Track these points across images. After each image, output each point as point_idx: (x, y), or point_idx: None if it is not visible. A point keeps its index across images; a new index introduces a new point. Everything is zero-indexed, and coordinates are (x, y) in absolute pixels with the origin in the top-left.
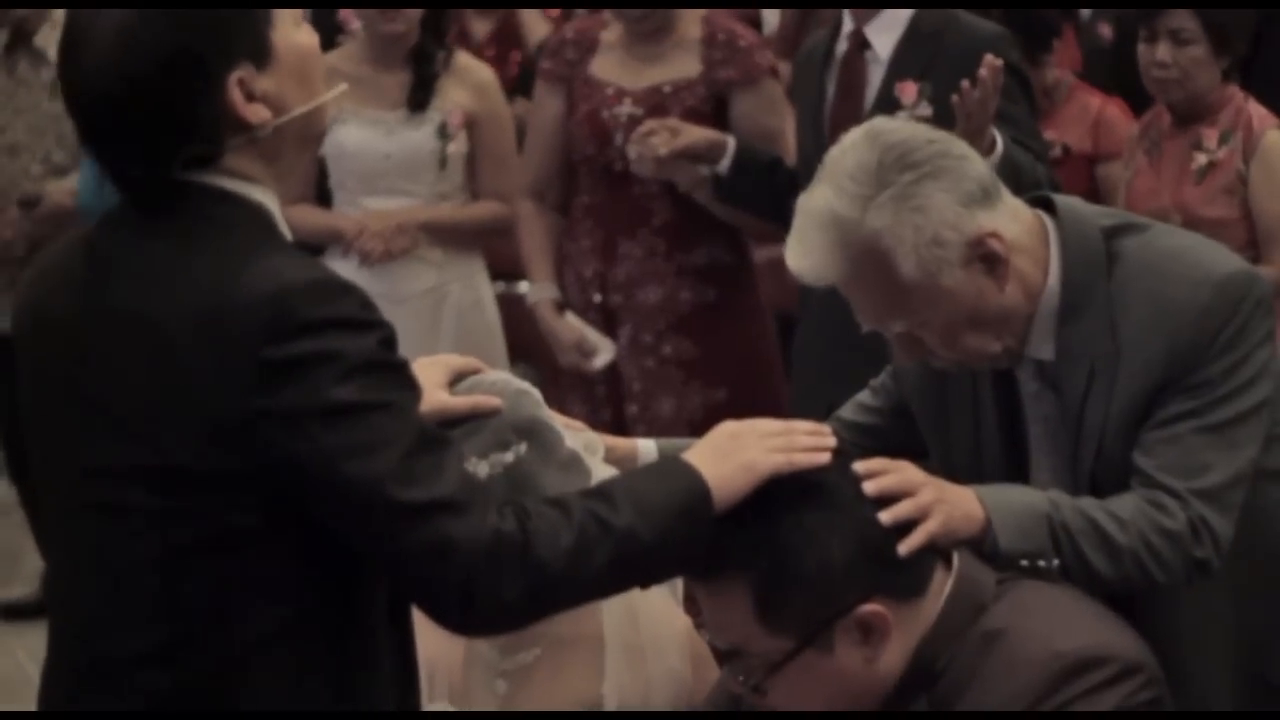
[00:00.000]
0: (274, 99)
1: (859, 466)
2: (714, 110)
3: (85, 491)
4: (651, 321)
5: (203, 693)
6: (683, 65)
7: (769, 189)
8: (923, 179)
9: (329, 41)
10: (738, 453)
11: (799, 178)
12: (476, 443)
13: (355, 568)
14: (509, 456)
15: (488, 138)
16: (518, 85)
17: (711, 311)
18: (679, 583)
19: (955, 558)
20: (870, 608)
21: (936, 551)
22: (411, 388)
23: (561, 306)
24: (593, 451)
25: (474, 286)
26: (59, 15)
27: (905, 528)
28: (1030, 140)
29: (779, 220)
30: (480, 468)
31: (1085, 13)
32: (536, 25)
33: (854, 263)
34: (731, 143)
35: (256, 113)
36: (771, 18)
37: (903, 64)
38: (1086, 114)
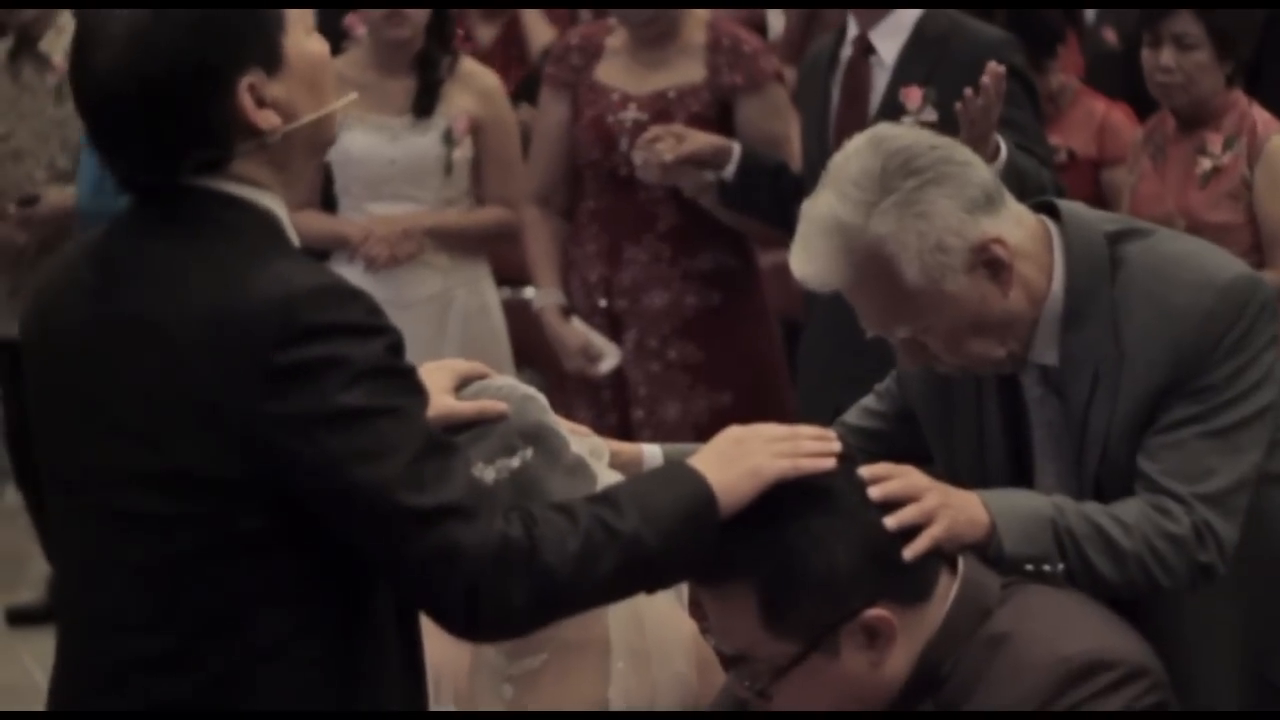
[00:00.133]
0: (284, 105)
1: (864, 471)
2: (719, 116)
3: (94, 497)
4: (657, 326)
5: (211, 697)
6: (687, 71)
7: (774, 194)
8: (926, 185)
9: (334, 48)
10: (743, 458)
11: (804, 183)
12: (483, 448)
13: (363, 573)
14: (515, 462)
15: (493, 143)
16: (522, 91)
17: (716, 316)
18: (684, 588)
19: (960, 562)
20: (875, 612)
21: (941, 556)
22: (418, 393)
23: (567, 311)
24: (598, 456)
25: (479, 292)
26: (65, 20)
27: (910, 532)
28: (1035, 145)
29: (784, 226)
30: (486, 473)
31: (1090, 17)
32: (541, 31)
33: (858, 269)
34: (737, 148)
35: (266, 119)
36: (776, 23)
37: (907, 69)
38: (1091, 119)
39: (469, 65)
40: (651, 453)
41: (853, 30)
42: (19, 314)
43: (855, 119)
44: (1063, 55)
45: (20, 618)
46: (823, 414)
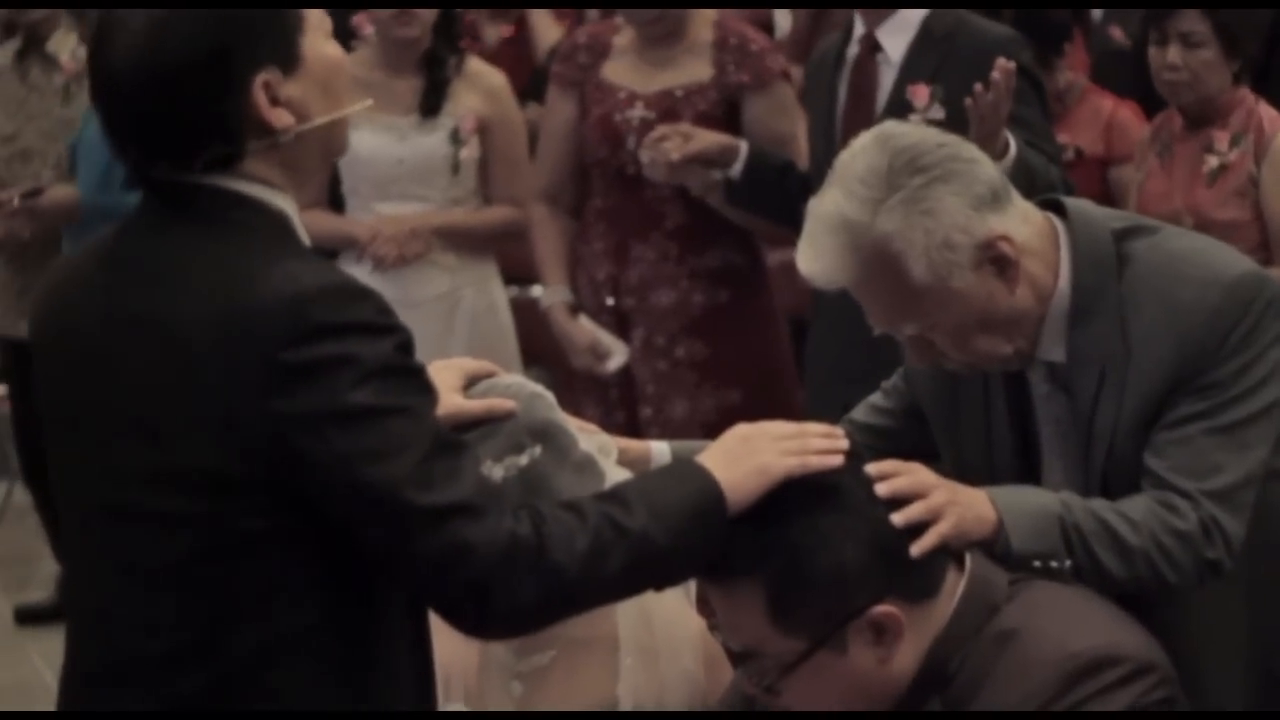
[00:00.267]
0: (298, 105)
1: (871, 469)
2: (726, 114)
3: (104, 495)
4: (664, 324)
5: (221, 695)
6: (694, 69)
7: (781, 193)
8: (933, 182)
9: (343, 47)
10: (751, 456)
11: (811, 181)
12: (491, 446)
13: (373, 571)
14: (523, 459)
15: (500, 142)
16: (530, 90)
17: (724, 314)
18: (692, 585)
19: (968, 559)
20: (883, 609)
21: (949, 553)
22: (428, 392)
23: (575, 309)
24: (606, 454)
25: (487, 291)
26: (70, 22)
27: (917, 529)
28: (1043, 143)
29: (791, 224)
30: (495, 471)
31: (1096, 16)
32: (548, 30)
33: (865, 266)
34: (744, 147)
35: (280, 117)
36: (784, 21)
37: (914, 67)
38: (1099, 117)
39: (476, 64)
40: (659, 450)
41: (859, 28)
42: (28, 314)
43: (862, 117)
44: (1070, 53)
45: (29, 616)
46: (830, 412)
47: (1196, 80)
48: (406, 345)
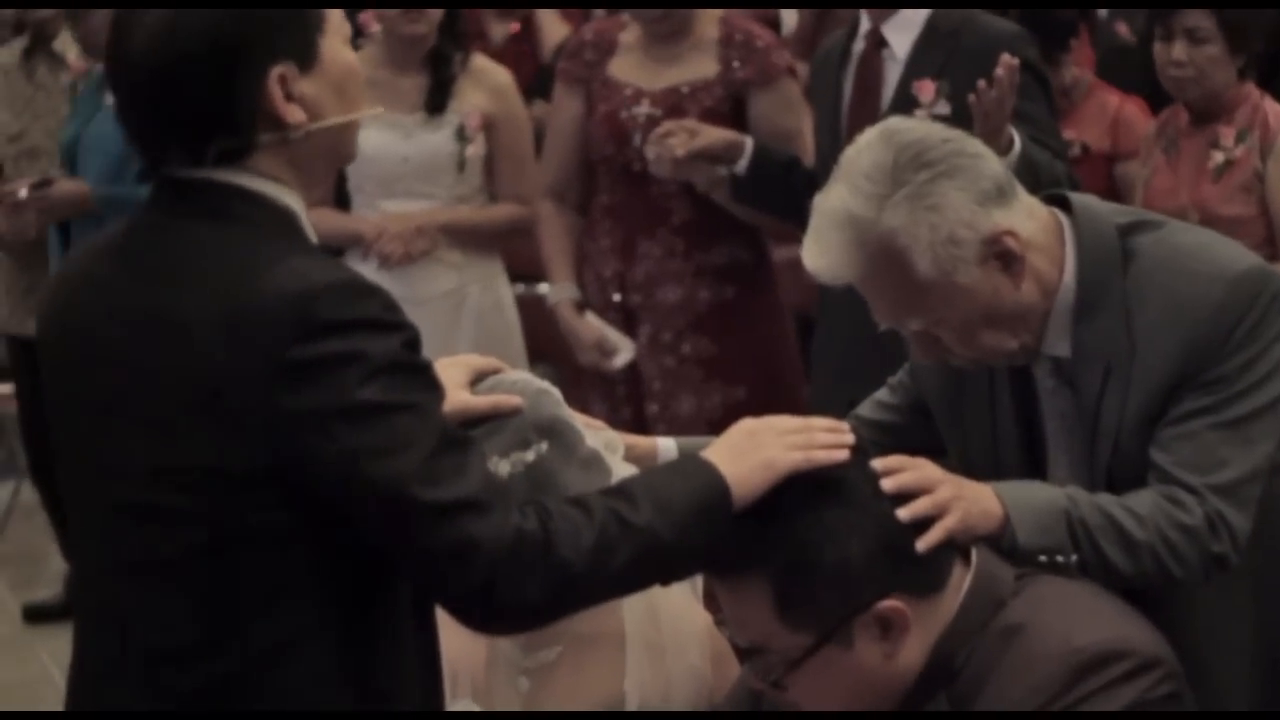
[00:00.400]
0: (311, 103)
1: (877, 464)
2: (732, 110)
3: (112, 492)
4: (671, 320)
5: (229, 690)
6: (700, 66)
7: (786, 189)
8: (938, 178)
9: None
10: (756, 450)
11: (816, 177)
12: (498, 442)
13: (381, 566)
14: (530, 455)
15: (506, 140)
16: (536, 87)
17: (730, 310)
18: (699, 580)
19: (974, 554)
20: (889, 604)
21: (955, 548)
22: (435, 389)
23: (581, 306)
24: (613, 450)
25: (493, 288)
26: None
27: (923, 524)
28: (1049, 138)
29: (797, 220)
30: (501, 466)
31: (1102, 12)
32: (554, 28)
33: (870, 261)
34: (749, 143)
35: (293, 113)
36: (790, 19)
37: (920, 63)
38: (1105, 113)
39: (481, 62)
40: (666, 446)
41: (865, 24)
42: (35, 312)
43: (868, 113)
44: (1075, 49)
45: (37, 615)
46: (836, 407)
47: (1202, 76)
48: (414, 342)
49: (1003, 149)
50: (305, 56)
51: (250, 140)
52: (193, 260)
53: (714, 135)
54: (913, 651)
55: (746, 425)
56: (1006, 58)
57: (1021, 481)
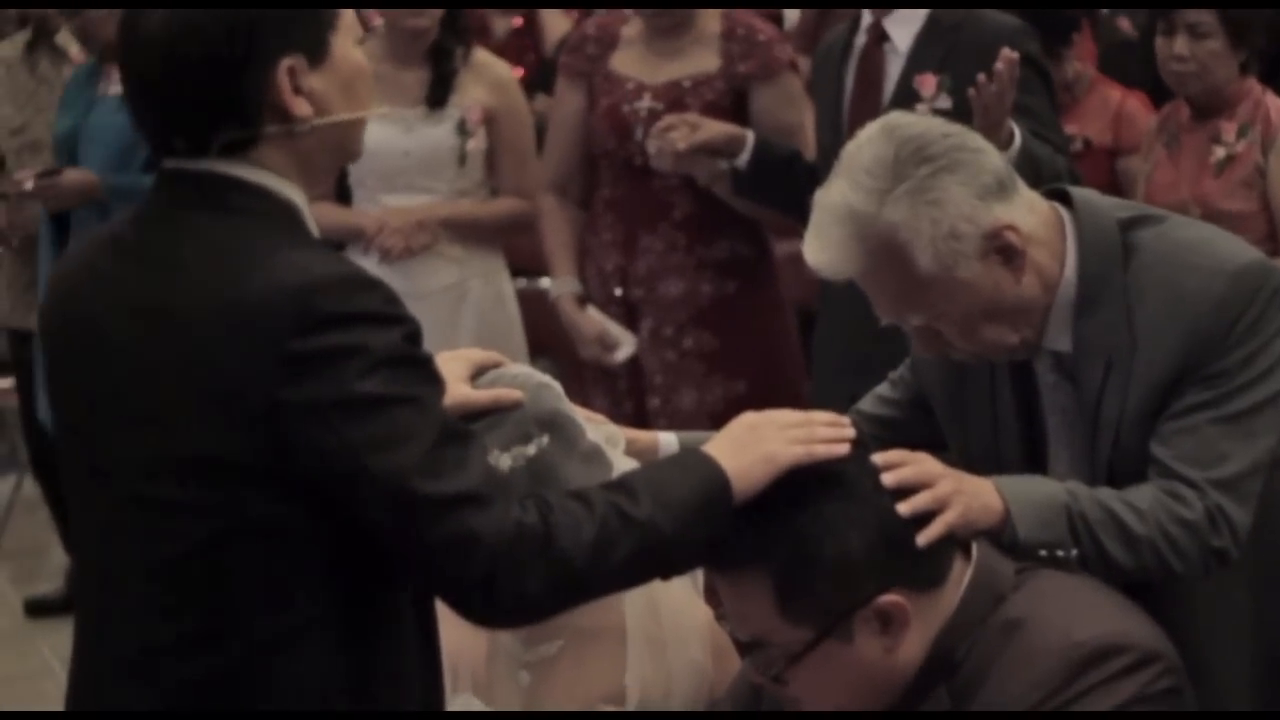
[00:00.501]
0: (319, 99)
1: (877, 458)
2: (733, 105)
3: (114, 485)
4: (672, 315)
5: (229, 683)
6: (702, 60)
7: (788, 183)
8: (939, 172)
9: None
10: (757, 444)
11: (818, 171)
12: (498, 435)
13: (381, 560)
14: (531, 449)
15: (507, 134)
16: (539, 81)
17: (732, 305)
18: (700, 574)
19: (974, 548)
20: (889, 598)
21: (955, 542)
22: (436, 382)
23: (583, 300)
24: (614, 444)
25: (495, 283)
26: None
27: (924, 519)
28: (1050, 133)
29: (798, 214)
30: (502, 460)
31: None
32: (557, 23)
33: (871, 256)
34: (750, 137)
35: (300, 106)
36: (792, 13)
37: (921, 56)
38: (1107, 107)
39: (482, 56)
40: (667, 440)
41: (867, 18)
42: (35, 306)
43: (869, 107)
44: (1078, 44)
45: (39, 609)
46: (838, 402)
47: (1204, 71)
48: (415, 335)
49: (1003, 143)
50: (316, 51)
51: (255, 131)
52: (194, 252)
53: (715, 129)
54: (913, 646)
55: (747, 419)
56: (1006, 52)
57: (1022, 476)
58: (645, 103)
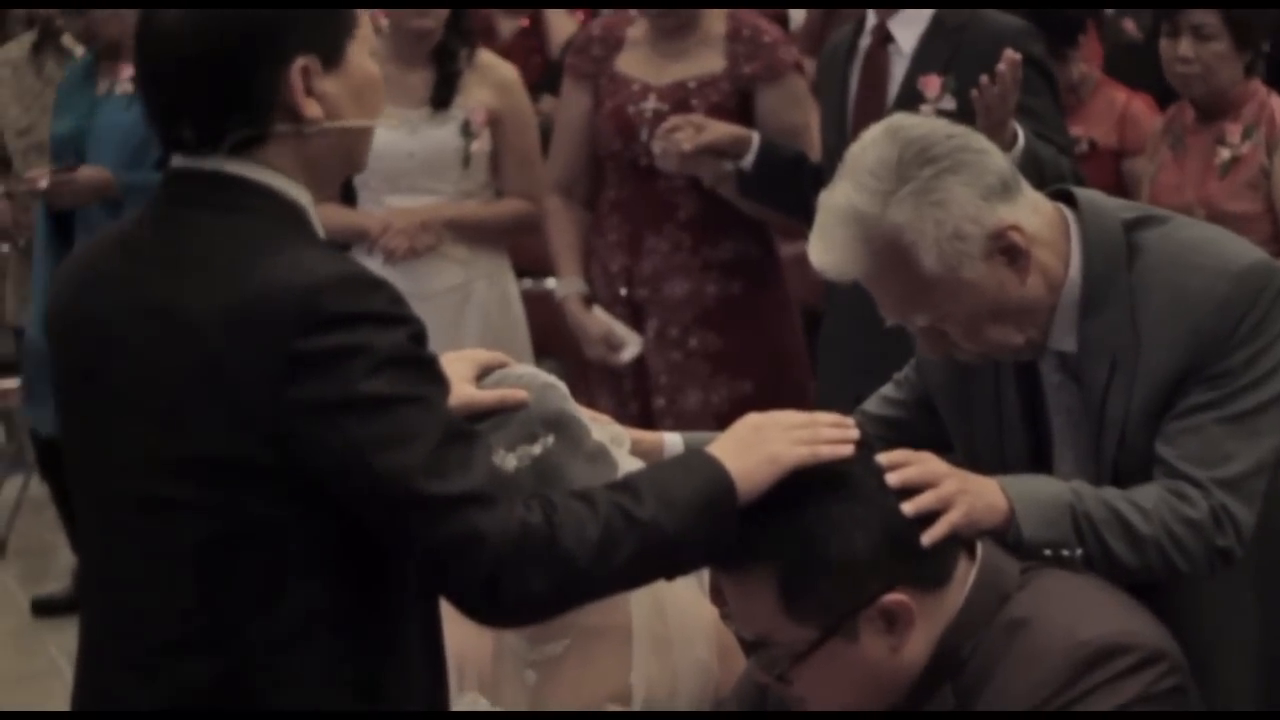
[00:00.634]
0: (330, 102)
1: (882, 458)
2: (739, 106)
3: (119, 483)
4: (678, 315)
5: (235, 681)
6: (707, 61)
7: (793, 184)
8: (943, 173)
9: None
10: (761, 445)
11: (823, 173)
12: (504, 435)
13: (386, 559)
14: (536, 449)
15: (511, 135)
16: (545, 82)
17: (737, 305)
18: (706, 574)
19: (979, 548)
20: (894, 597)
21: (960, 541)
22: (440, 382)
23: (589, 300)
24: (619, 444)
25: (499, 283)
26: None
27: (929, 518)
28: (1054, 134)
29: (803, 216)
30: (508, 460)
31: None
32: (563, 25)
33: (876, 258)
34: (755, 138)
35: (311, 107)
36: (798, 16)
37: (926, 58)
38: (1113, 109)
39: (486, 57)
40: (672, 441)
41: (871, 19)
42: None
43: (874, 108)
44: (1083, 45)
45: (46, 608)
46: (843, 403)
47: (1208, 72)
48: (420, 336)
49: (1006, 144)
50: (331, 55)
51: (265, 129)
52: (200, 252)
53: (720, 130)
54: (918, 645)
55: (752, 420)
56: (1009, 53)
57: (1027, 475)
58: (650, 104)
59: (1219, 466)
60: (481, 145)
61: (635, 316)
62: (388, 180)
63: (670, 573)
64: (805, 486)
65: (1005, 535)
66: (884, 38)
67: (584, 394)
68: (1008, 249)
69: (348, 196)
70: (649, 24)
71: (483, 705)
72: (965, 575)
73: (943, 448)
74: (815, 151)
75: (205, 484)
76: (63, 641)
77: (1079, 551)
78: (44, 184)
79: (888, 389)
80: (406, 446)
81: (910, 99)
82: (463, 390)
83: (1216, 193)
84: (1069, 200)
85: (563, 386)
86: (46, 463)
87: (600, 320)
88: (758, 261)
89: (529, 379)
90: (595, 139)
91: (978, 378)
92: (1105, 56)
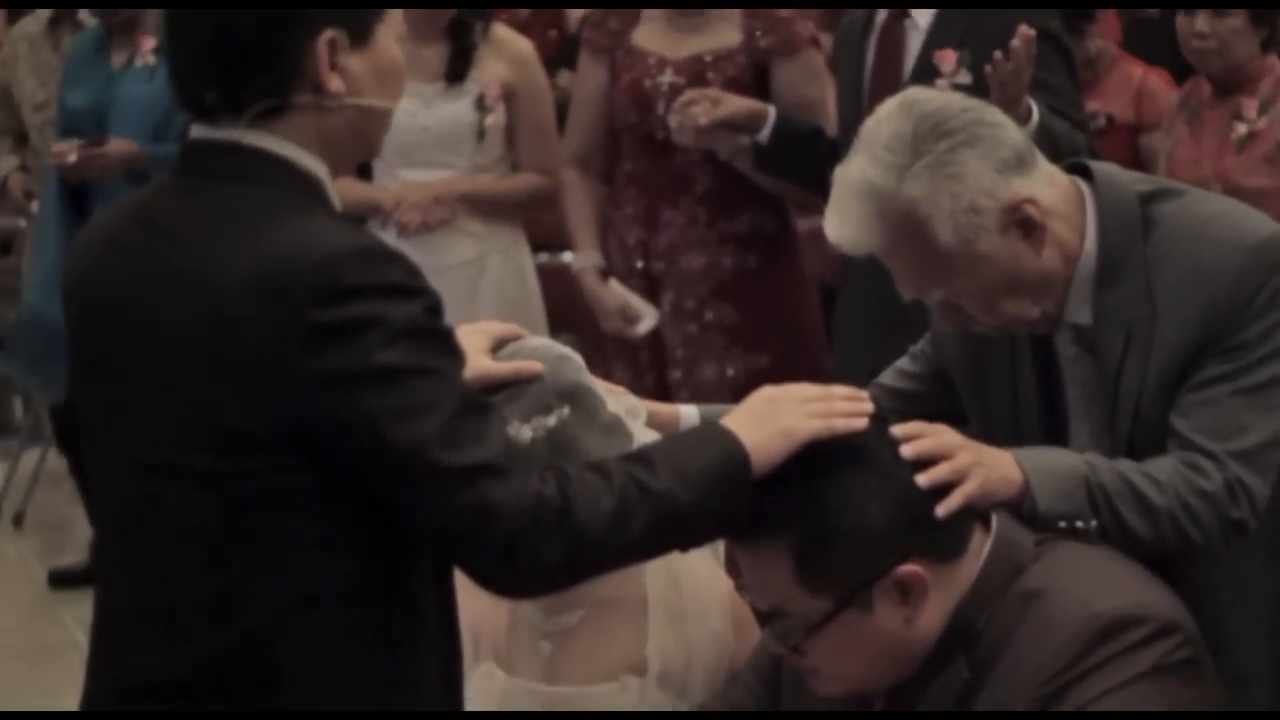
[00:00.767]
0: (353, 79)
1: (897, 430)
2: (755, 80)
3: (135, 452)
4: (694, 288)
5: (248, 652)
6: (724, 35)
7: (809, 158)
8: (958, 147)
9: None
10: (776, 418)
11: (839, 147)
12: (519, 407)
13: (400, 530)
14: (551, 420)
15: (526, 110)
16: (562, 57)
17: (753, 278)
18: (721, 545)
19: (994, 519)
20: (909, 568)
21: (975, 513)
22: (455, 354)
23: (606, 273)
24: (634, 415)
25: (515, 257)
26: None
27: (943, 490)
28: (1069, 109)
29: (819, 190)
30: (523, 431)
31: None
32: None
33: (892, 232)
34: (772, 112)
35: (334, 81)
36: None
37: (942, 32)
38: (1129, 84)
39: (502, 31)
40: (688, 413)
41: None
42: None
43: (889, 81)
44: (1100, 20)
45: (63, 580)
46: (859, 376)
47: (1225, 47)
48: (435, 308)
49: (1021, 119)
50: (360, 32)
51: (287, 99)
52: (217, 223)
53: (737, 104)
54: (932, 616)
55: (767, 393)
56: (1023, 29)
57: (1042, 447)
58: (667, 77)
59: (1233, 439)
60: (496, 119)
61: (651, 289)
62: (402, 154)
63: (684, 544)
64: (820, 459)
65: (1020, 507)
66: (901, 12)
67: (600, 367)
68: (1023, 222)
69: (363, 171)
70: None
71: (498, 676)
72: (980, 547)
73: (958, 420)
74: (831, 125)
75: (222, 453)
76: (79, 613)
77: (1094, 523)
78: (73, 157)
79: (903, 362)
80: (421, 418)
81: (926, 73)
82: (478, 362)
83: (1233, 167)
84: (1085, 174)
85: (578, 358)
86: (64, 435)
87: (616, 293)
88: (774, 235)
89: (544, 351)
90: (612, 112)
91: (993, 351)
92: (1122, 31)
